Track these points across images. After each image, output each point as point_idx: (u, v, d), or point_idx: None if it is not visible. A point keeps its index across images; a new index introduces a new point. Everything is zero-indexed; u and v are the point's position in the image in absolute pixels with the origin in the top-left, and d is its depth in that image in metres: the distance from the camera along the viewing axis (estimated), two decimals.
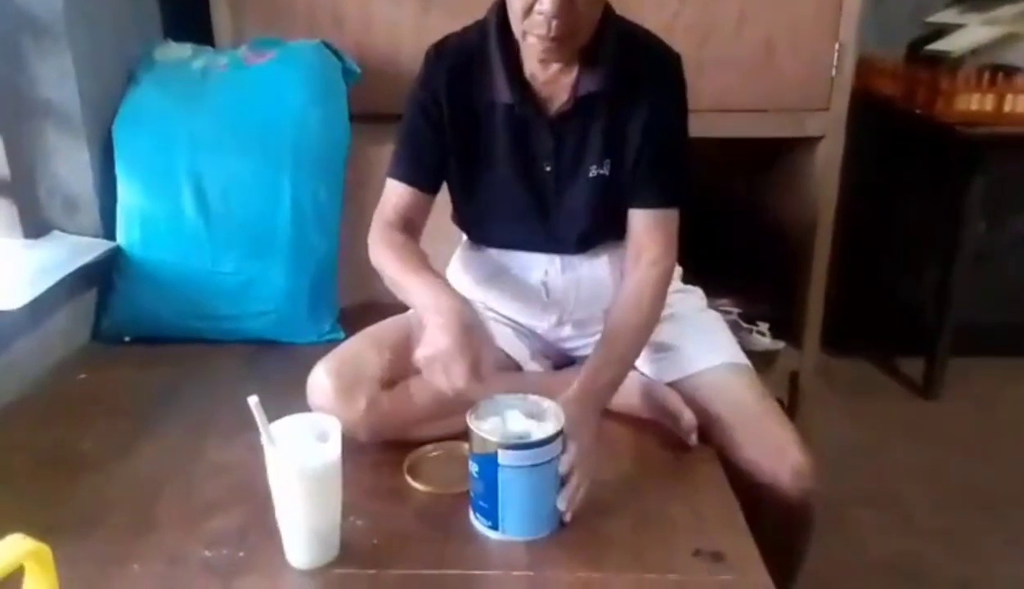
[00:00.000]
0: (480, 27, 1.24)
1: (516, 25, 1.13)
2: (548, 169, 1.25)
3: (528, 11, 1.09)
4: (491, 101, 1.23)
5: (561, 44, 1.11)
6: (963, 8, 2.43)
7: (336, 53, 1.69)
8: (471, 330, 1.05)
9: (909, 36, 2.48)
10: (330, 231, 1.62)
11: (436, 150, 1.26)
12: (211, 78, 1.65)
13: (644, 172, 1.24)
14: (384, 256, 1.22)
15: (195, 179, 1.57)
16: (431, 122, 1.25)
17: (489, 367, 1.05)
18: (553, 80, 1.21)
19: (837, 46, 1.81)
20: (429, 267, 1.18)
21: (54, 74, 1.54)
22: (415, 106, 1.26)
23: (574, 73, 1.20)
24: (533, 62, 1.20)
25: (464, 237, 1.43)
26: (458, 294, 1.13)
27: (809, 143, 1.91)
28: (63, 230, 1.63)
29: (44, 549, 0.76)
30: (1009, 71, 2.18)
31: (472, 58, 1.23)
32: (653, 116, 1.22)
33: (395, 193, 1.27)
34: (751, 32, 1.79)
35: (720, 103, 1.79)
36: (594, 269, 1.34)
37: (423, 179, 1.27)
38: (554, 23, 1.08)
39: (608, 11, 1.19)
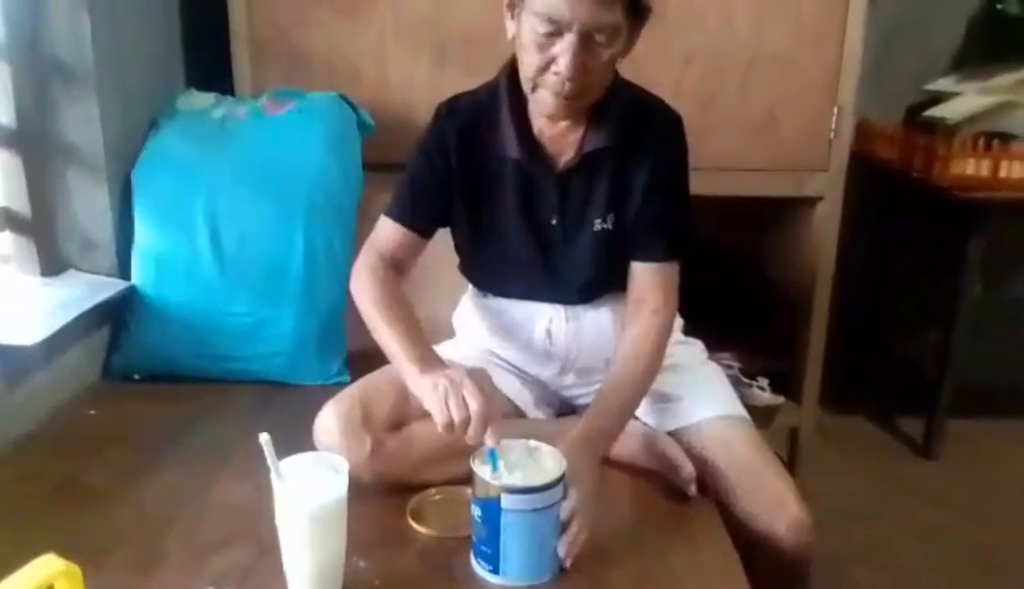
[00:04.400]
0: (489, 87, 1.29)
1: (527, 79, 1.18)
2: (554, 222, 1.29)
3: (544, 69, 1.14)
4: (500, 156, 1.27)
5: (571, 102, 1.17)
6: (960, 76, 2.49)
7: (352, 105, 1.74)
8: (481, 390, 1.06)
9: (907, 102, 2.54)
10: (340, 276, 1.64)
11: (436, 198, 1.30)
12: (231, 127, 1.70)
13: (646, 227, 1.28)
14: (368, 291, 1.26)
15: (212, 223, 1.61)
16: (436, 172, 1.29)
17: (498, 414, 1.07)
18: (561, 136, 1.26)
19: (836, 110, 1.87)
20: (407, 319, 1.21)
21: (80, 119, 1.60)
22: (422, 154, 1.30)
23: (581, 130, 1.25)
24: (541, 119, 1.25)
25: (470, 286, 1.47)
26: (436, 357, 1.16)
27: (809, 203, 1.96)
28: (79, 269, 1.66)
29: (75, 569, 0.78)
30: (1005, 138, 2.23)
31: (481, 115, 1.27)
32: (655, 173, 1.26)
33: (390, 229, 1.31)
34: (754, 96, 1.85)
35: (723, 163, 1.85)
36: (597, 319, 1.37)
37: (418, 222, 1.31)
38: (567, 85, 1.13)
39: (616, 74, 1.24)
